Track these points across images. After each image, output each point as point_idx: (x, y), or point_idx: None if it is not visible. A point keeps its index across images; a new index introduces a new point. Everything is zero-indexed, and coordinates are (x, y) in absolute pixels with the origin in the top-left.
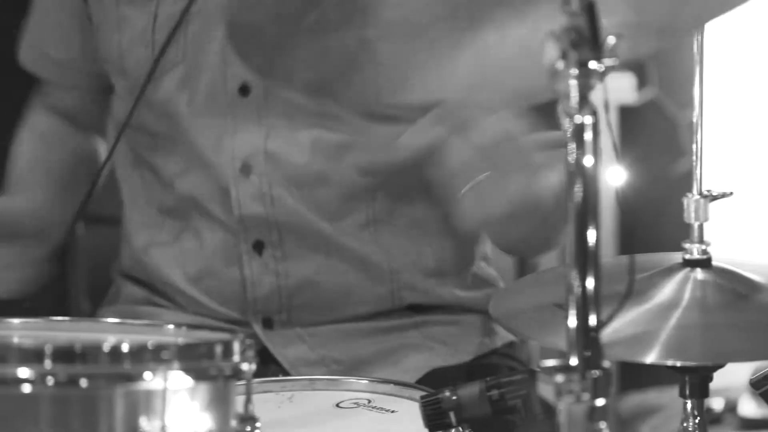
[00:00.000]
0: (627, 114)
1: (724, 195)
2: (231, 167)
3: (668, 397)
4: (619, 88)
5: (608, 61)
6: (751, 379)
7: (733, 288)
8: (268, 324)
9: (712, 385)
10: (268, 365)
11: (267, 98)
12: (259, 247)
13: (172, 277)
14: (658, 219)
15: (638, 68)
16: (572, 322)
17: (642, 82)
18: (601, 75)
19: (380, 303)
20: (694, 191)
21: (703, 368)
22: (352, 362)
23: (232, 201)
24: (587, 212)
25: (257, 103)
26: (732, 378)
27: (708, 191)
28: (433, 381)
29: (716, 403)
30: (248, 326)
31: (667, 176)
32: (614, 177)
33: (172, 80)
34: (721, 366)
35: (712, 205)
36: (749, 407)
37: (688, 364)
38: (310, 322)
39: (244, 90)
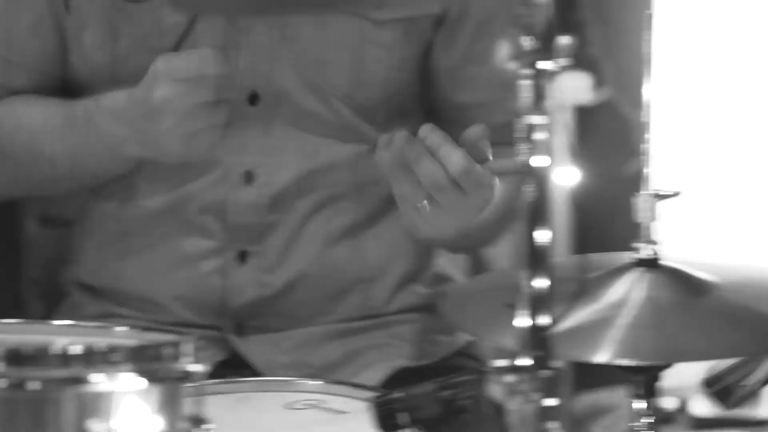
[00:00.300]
0: (582, 114)
1: (672, 194)
2: (234, 173)
3: (620, 396)
4: (575, 88)
5: (561, 61)
6: (704, 379)
7: (683, 287)
8: (240, 330)
9: (665, 385)
10: (242, 370)
11: (276, 107)
12: (243, 256)
13: (143, 286)
14: (613, 219)
15: (594, 67)
16: (522, 321)
17: (598, 82)
18: (555, 75)
19: (353, 311)
20: (643, 190)
21: (653, 368)
22: (324, 365)
23: (228, 209)
24: (539, 212)
25: (266, 112)
26: (684, 377)
27: (656, 191)
28: (401, 381)
29: (669, 403)
30: (220, 332)
31: (621, 176)
32: (569, 177)
33: None
34: (670, 366)
35: (667, 205)
36: (702, 407)
37: (638, 363)
38: (283, 327)
39: (253, 99)
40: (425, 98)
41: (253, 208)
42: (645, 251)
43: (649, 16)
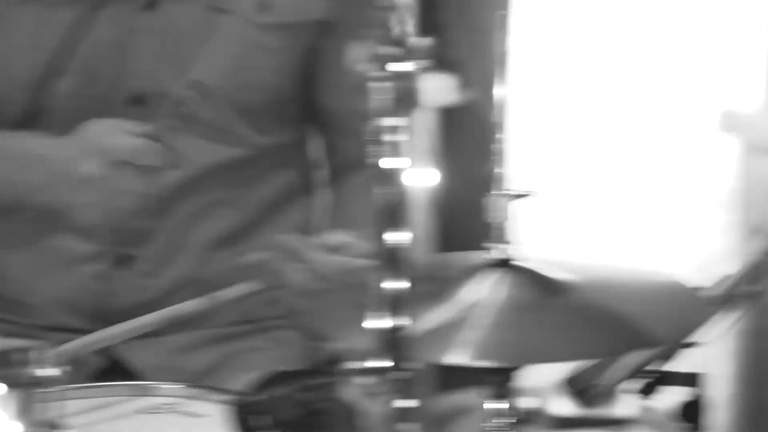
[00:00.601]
0: (445, 115)
1: (524, 194)
2: None
3: (479, 397)
4: (437, 89)
5: (423, 62)
6: (566, 378)
7: (539, 287)
8: None
9: (524, 384)
10: (123, 375)
11: (162, 108)
12: (127, 260)
13: (21, 289)
14: (475, 220)
15: (457, 69)
16: (378, 323)
17: (461, 83)
18: (415, 76)
19: (234, 316)
20: (496, 191)
21: (509, 368)
22: (204, 369)
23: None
24: (397, 214)
25: (152, 113)
26: (543, 376)
27: (508, 191)
28: (275, 385)
29: (527, 403)
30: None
31: (484, 177)
32: (429, 178)
33: (63, 87)
34: (526, 366)
35: (526, 205)
36: (562, 406)
37: (496, 364)
38: (164, 332)
39: (138, 99)
40: (310, 105)
41: (136, 211)
42: (498, 251)
43: (503, 17)
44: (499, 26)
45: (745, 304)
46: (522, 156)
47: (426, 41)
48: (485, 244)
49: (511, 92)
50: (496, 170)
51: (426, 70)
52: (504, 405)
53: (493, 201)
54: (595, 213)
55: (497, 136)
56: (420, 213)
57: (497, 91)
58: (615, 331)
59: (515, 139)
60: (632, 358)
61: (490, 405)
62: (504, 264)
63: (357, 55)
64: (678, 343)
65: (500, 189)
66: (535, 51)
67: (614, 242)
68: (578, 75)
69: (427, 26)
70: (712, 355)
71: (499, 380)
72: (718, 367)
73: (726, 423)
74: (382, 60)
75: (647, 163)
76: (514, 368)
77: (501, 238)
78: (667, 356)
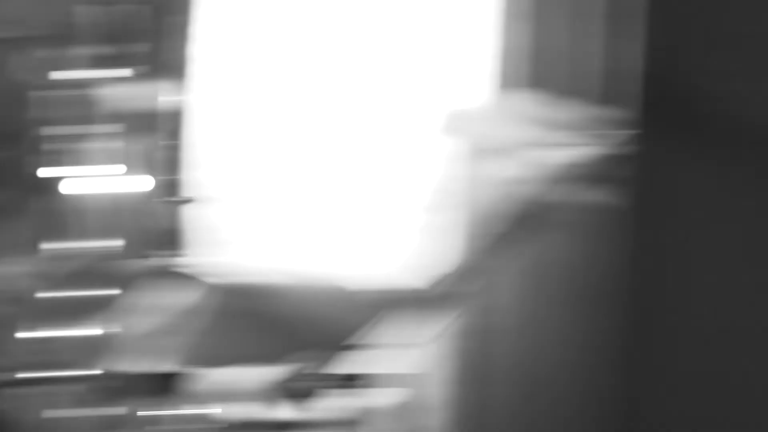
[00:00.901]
0: (164, 120)
1: (187, 200)
2: None
3: (160, 405)
4: (151, 94)
5: (139, 68)
6: (280, 381)
7: (211, 294)
8: None
9: (218, 390)
10: None
11: None
12: None
13: None
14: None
15: (173, 73)
16: (49, 333)
17: (180, 87)
18: (129, 81)
19: None
20: (164, 197)
21: (181, 374)
22: None
23: None
24: (81, 222)
25: None
26: (246, 382)
27: (174, 197)
28: None
29: (218, 408)
30: None
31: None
32: (140, 183)
33: None
34: (195, 372)
35: (218, 211)
36: (269, 410)
37: (179, 369)
38: None
39: None
40: (33, 120)
41: None
42: (163, 258)
43: (183, 23)
44: (177, 32)
45: (463, 304)
46: (221, 161)
47: (141, 47)
48: (153, 251)
49: (197, 97)
50: (168, 177)
51: (139, 76)
52: (181, 411)
53: (160, 207)
54: (311, 217)
55: (172, 142)
56: (126, 220)
57: (174, 97)
58: (282, 335)
59: (207, 144)
60: (324, 361)
61: (167, 412)
62: (172, 271)
63: (23, 64)
64: (345, 344)
65: (170, 195)
66: (228, 54)
67: (325, 246)
68: (288, 77)
69: (143, 32)
70: (430, 356)
71: (168, 387)
72: (436, 368)
73: (444, 424)
74: (68, 66)
75: (365, 164)
76: (186, 373)
77: (168, 245)
78: (331, 357)
